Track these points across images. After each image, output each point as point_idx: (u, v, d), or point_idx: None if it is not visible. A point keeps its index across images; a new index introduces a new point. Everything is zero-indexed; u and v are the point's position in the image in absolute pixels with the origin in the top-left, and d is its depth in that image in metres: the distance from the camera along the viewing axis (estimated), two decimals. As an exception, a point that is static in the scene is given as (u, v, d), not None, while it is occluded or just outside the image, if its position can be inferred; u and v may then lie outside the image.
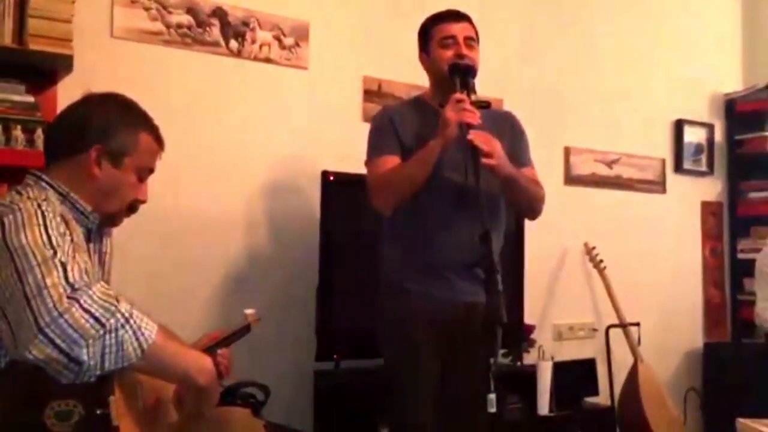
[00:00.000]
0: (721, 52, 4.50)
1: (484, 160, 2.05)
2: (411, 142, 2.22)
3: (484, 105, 2.17)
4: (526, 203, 2.34)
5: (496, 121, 2.32)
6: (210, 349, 1.68)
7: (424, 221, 2.21)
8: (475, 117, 2.05)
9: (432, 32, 2.30)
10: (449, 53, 2.23)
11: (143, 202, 1.63)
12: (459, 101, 2.08)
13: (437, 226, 2.19)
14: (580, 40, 3.86)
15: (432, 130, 2.13)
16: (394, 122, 2.28)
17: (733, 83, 4.50)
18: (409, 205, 2.20)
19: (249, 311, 1.79)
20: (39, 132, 2.22)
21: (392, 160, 2.22)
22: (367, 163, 2.30)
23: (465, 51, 2.22)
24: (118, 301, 1.32)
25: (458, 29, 2.26)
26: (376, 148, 2.28)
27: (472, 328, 2.12)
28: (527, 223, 3.20)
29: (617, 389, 3.64)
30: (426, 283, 2.21)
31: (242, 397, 2.33)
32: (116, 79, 2.43)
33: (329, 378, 2.75)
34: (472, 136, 2.05)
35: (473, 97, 2.12)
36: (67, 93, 2.25)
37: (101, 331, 1.27)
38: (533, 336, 3.36)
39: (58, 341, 1.24)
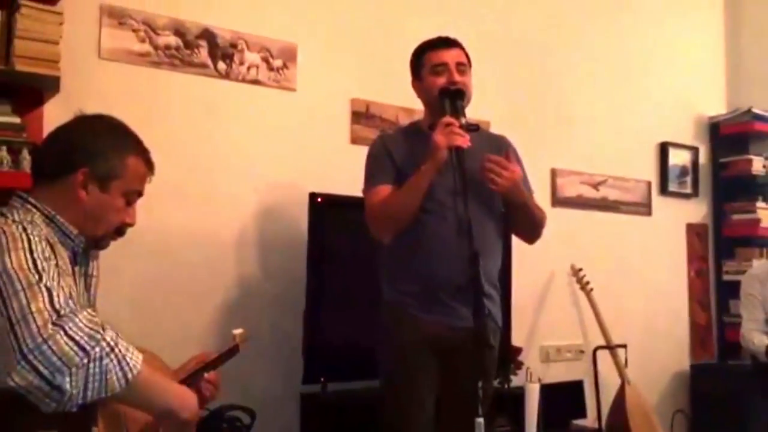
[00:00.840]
0: (705, 75, 4.56)
1: (492, 186, 2.08)
2: (406, 168, 2.23)
3: (473, 128, 2.19)
4: (531, 228, 2.37)
5: (491, 143, 2.35)
6: (198, 372, 1.67)
7: (421, 246, 2.21)
8: (465, 140, 2.07)
9: (424, 59, 2.31)
10: (441, 80, 2.25)
11: (131, 225, 1.61)
12: (448, 125, 2.09)
13: (435, 250, 2.19)
14: (565, 62, 3.90)
15: (427, 155, 2.14)
16: (389, 150, 2.29)
17: (717, 106, 4.56)
18: (405, 230, 2.20)
19: (237, 331, 1.77)
20: (25, 153, 2.20)
21: (387, 189, 2.23)
22: (365, 192, 2.31)
23: (457, 77, 2.24)
24: (103, 329, 1.30)
25: (450, 56, 2.28)
26: (371, 177, 2.29)
27: (469, 353, 2.12)
28: (514, 244, 3.20)
29: (605, 411, 3.63)
30: (425, 309, 2.21)
31: (228, 421, 2.29)
32: (104, 101, 2.42)
33: (316, 401, 2.73)
34: (488, 163, 2.07)
35: (462, 120, 2.14)
36: (53, 114, 2.25)
37: (85, 360, 1.25)
38: (520, 358, 3.36)
39: (41, 368, 1.21)
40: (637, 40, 4.21)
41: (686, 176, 4.38)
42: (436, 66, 2.27)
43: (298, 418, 2.79)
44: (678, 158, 4.33)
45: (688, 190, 4.38)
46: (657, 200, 4.25)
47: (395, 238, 2.24)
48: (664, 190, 4.27)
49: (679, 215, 4.35)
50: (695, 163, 4.41)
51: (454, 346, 2.18)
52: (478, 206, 2.13)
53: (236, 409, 2.28)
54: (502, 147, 2.39)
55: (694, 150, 4.42)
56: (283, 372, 2.83)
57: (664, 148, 4.27)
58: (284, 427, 2.78)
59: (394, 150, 2.29)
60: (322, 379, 2.71)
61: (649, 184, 4.22)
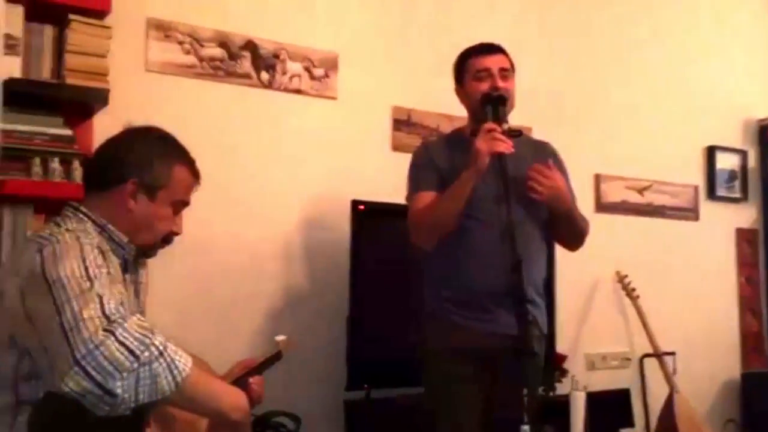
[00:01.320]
0: (755, 77, 4.45)
1: (534, 195, 2.08)
2: (450, 175, 2.23)
3: (516, 134, 2.18)
4: (574, 237, 2.35)
5: (535, 149, 2.34)
6: (243, 377, 1.69)
7: (464, 253, 2.21)
8: (507, 146, 2.06)
9: (467, 65, 2.32)
10: (483, 86, 2.25)
11: (178, 233, 1.65)
12: (490, 131, 2.08)
13: (478, 257, 2.19)
14: (610, 66, 3.85)
15: (468, 162, 2.14)
16: (433, 156, 2.30)
17: (766, 109, 4.44)
18: (449, 237, 2.20)
19: (280, 338, 1.79)
20: (76, 164, 2.27)
21: (430, 196, 2.24)
22: (408, 199, 2.32)
23: (499, 83, 2.24)
24: (153, 333, 1.32)
25: (492, 62, 2.28)
26: (415, 184, 2.31)
27: (514, 360, 2.11)
28: (558, 251, 3.17)
29: (653, 420, 3.56)
30: (469, 316, 2.21)
31: (273, 427, 2.32)
32: (150, 112, 2.46)
33: (360, 408, 2.73)
34: (533, 172, 2.08)
35: (505, 126, 2.13)
36: (102, 126, 2.31)
37: (135, 364, 1.27)
38: (565, 366, 3.32)
39: (93, 373, 1.24)
40: (684, 42, 4.13)
41: (735, 180, 4.28)
42: (478, 72, 2.27)
43: (342, 425, 2.80)
44: (726, 162, 4.24)
45: (737, 195, 4.28)
46: (705, 205, 4.16)
47: (439, 244, 2.23)
48: (711, 194, 4.18)
49: (728, 220, 4.25)
50: (744, 166, 4.31)
51: (498, 355, 2.16)
52: (523, 212, 2.12)
53: (281, 415, 2.31)
54: (545, 153, 2.37)
55: (743, 153, 4.32)
56: (327, 379, 2.85)
57: (711, 152, 4.19)
58: (328, 433, 2.80)
59: (437, 157, 2.29)
60: (365, 386, 2.72)
61: (696, 188, 4.14)
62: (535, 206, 2.24)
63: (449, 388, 2.21)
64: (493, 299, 2.16)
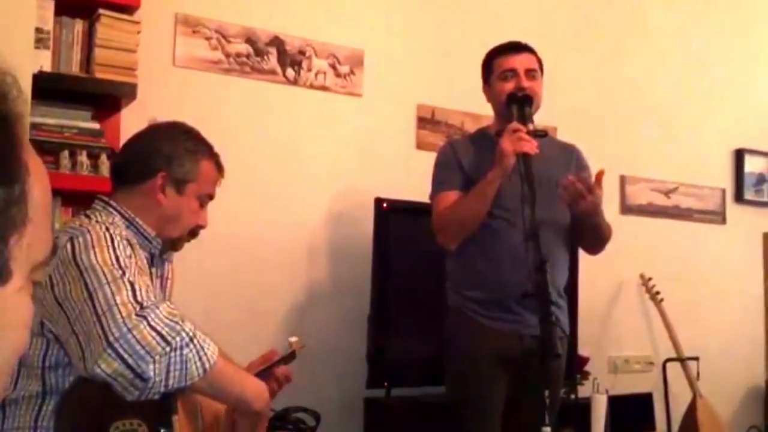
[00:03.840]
0: (784, 79, 4.39)
1: (574, 207, 2.11)
2: (475, 174, 2.22)
3: (541, 134, 2.16)
4: (598, 243, 2.34)
5: (561, 152, 2.32)
6: (263, 372, 1.70)
7: (488, 252, 2.20)
8: (532, 146, 2.04)
9: (493, 65, 2.31)
10: (509, 86, 2.23)
11: (203, 227, 1.67)
12: (515, 131, 2.07)
13: (502, 257, 2.18)
14: (636, 66, 3.81)
15: (493, 162, 2.13)
16: (458, 155, 2.29)
17: (796, 111, 4.37)
18: (474, 236, 2.19)
19: (293, 339, 1.83)
20: (103, 158, 2.29)
21: (455, 195, 2.23)
22: (432, 198, 2.31)
23: (525, 83, 2.22)
24: (183, 320, 1.35)
25: (519, 62, 2.26)
26: (439, 183, 2.30)
27: (538, 362, 2.10)
28: (581, 253, 3.15)
29: (675, 425, 3.52)
30: (494, 317, 2.20)
31: (292, 423, 2.33)
32: (177, 107, 2.50)
33: (380, 405, 2.74)
34: (575, 184, 2.08)
35: (530, 127, 2.12)
36: (130, 120, 2.33)
37: (167, 349, 1.29)
38: (587, 368, 3.29)
39: (125, 356, 1.26)
40: (713, 43, 4.08)
41: (763, 184, 4.21)
42: (504, 72, 2.26)
43: (362, 423, 2.80)
44: (754, 165, 4.18)
45: (765, 199, 4.21)
46: (732, 208, 4.10)
47: (463, 244, 2.23)
48: (739, 198, 4.12)
49: (756, 224, 4.19)
50: (773, 170, 4.25)
51: (522, 356, 2.15)
52: (547, 213, 2.10)
53: (301, 411, 2.31)
54: (571, 155, 2.36)
55: (772, 157, 4.26)
56: (347, 376, 2.85)
57: (739, 155, 4.13)
58: (348, 430, 2.80)
59: (462, 156, 2.29)
60: (385, 384, 2.72)
61: (723, 191, 4.08)
62: (559, 208, 2.23)
63: (473, 389, 2.20)
64: (517, 299, 2.15)
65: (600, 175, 2.14)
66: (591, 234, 2.30)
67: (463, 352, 2.23)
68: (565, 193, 2.12)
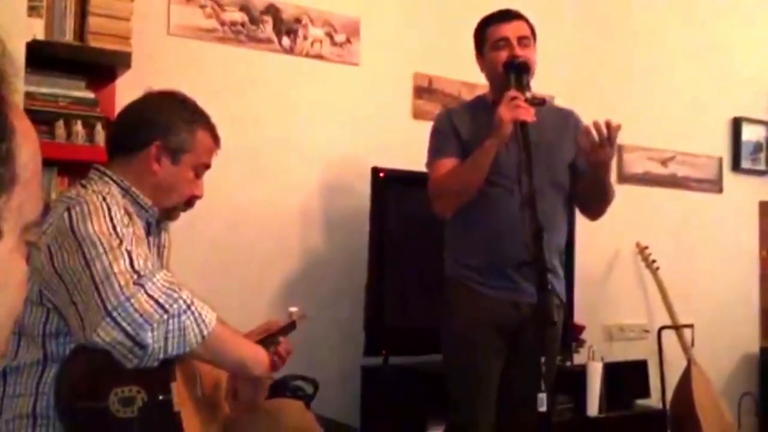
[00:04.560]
0: (783, 47, 4.36)
1: (598, 154, 2.08)
2: (472, 142, 2.21)
3: (539, 102, 2.15)
4: (601, 204, 2.35)
5: (559, 118, 2.31)
6: (263, 341, 1.71)
7: (486, 219, 2.21)
8: (529, 113, 2.04)
9: (486, 34, 2.28)
10: (503, 54, 2.21)
11: (200, 197, 1.66)
12: (513, 98, 2.06)
13: (500, 224, 2.18)
14: (634, 35, 3.79)
15: (491, 130, 2.12)
16: (454, 123, 2.28)
17: (794, 80, 4.36)
18: (471, 204, 2.19)
19: (294, 309, 1.83)
20: (99, 127, 2.28)
21: (451, 162, 2.22)
22: (428, 166, 2.30)
23: (519, 51, 2.20)
24: (180, 288, 1.36)
25: (511, 29, 2.24)
26: (436, 150, 2.29)
27: (534, 329, 2.12)
28: (578, 221, 3.15)
29: (669, 392, 3.56)
30: (491, 285, 2.21)
31: (291, 390, 2.35)
32: (172, 75, 2.48)
33: (377, 373, 2.76)
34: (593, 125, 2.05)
35: (528, 94, 2.11)
36: (125, 89, 2.31)
37: (165, 316, 1.30)
38: (583, 336, 3.32)
39: (124, 324, 1.27)
40: (710, 13, 4.05)
41: (760, 152, 4.21)
42: (497, 41, 2.24)
43: (359, 390, 2.83)
44: (752, 134, 4.17)
45: (762, 167, 4.22)
46: (728, 177, 4.11)
47: (461, 212, 2.23)
48: (736, 166, 4.12)
49: (752, 193, 4.19)
50: (770, 139, 4.24)
51: (518, 323, 2.17)
52: (545, 180, 2.10)
53: (300, 379, 2.34)
54: (570, 121, 2.35)
55: (769, 125, 4.25)
56: (345, 344, 2.88)
57: (737, 123, 4.12)
58: (346, 398, 2.83)
59: (459, 124, 2.28)
60: (383, 352, 2.74)
61: (720, 160, 4.08)
62: (558, 174, 2.23)
63: (471, 357, 2.22)
64: (514, 267, 2.15)
65: (615, 130, 2.10)
66: (597, 193, 2.28)
67: (461, 321, 2.24)
68: (586, 139, 2.10)
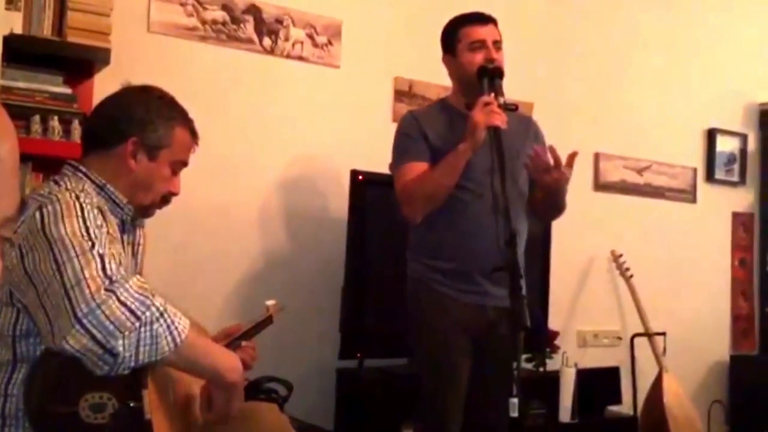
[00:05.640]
0: (757, 61, 4.43)
1: (551, 177, 2.10)
2: (440, 146, 2.21)
3: (511, 108, 2.15)
4: (554, 212, 2.36)
5: (520, 125, 2.32)
6: (235, 342, 1.70)
7: (455, 224, 2.20)
8: (503, 119, 2.05)
9: (460, 35, 2.26)
10: (479, 57, 2.20)
11: (176, 194, 1.64)
12: (487, 104, 2.07)
13: (468, 229, 2.19)
14: (612, 45, 3.83)
15: (460, 134, 2.12)
16: (422, 126, 2.26)
17: (767, 93, 4.43)
18: (441, 208, 2.19)
19: (270, 302, 1.79)
20: (75, 123, 2.26)
21: (421, 166, 2.21)
22: (394, 169, 2.28)
23: (494, 55, 2.21)
24: (153, 295, 1.32)
25: (486, 32, 2.24)
26: (404, 153, 2.26)
27: (501, 333, 2.13)
28: (554, 227, 3.18)
29: (641, 398, 3.60)
30: (458, 288, 2.21)
31: (265, 392, 2.34)
32: (151, 73, 2.44)
33: (352, 376, 2.76)
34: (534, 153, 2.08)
35: (501, 100, 2.11)
36: (103, 85, 2.29)
37: (136, 324, 1.27)
38: (557, 342, 3.35)
39: (94, 332, 1.24)
40: (687, 24, 4.11)
41: (734, 164, 4.28)
42: (473, 42, 2.22)
43: (334, 393, 2.82)
44: (726, 145, 4.24)
45: (735, 178, 4.29)
46: (702, 187, 4.17)
47: (430, 215, 2.22)
48: (710, 177, 4.18)
49: (725, 203, 4.26)
50: (743, 150, 4.31)
51: (486, 326, 2.18)
52: (512, 187, 2.10)
53: (274, 380, 2.32)
54: (530, 129, 2.37)
55: (743, 137, 4.31)
56: (320, 346, 2.87)
57: (711, 135, 4.18)
58: (320, 400, 2.82)
59: (426, 127, 2.25)
60: (358, 355, 2.74)
61: (695, 170, 4.14)
62: (521, 180, 2.24)
63: (441, 360, 2.22)
64: (483, 272, 2.16)
65: (572, 157, 2.14)
66: (552, 203, 2.30)
67: (429, 325, 2.23)
68: (531, 164, 2.13)
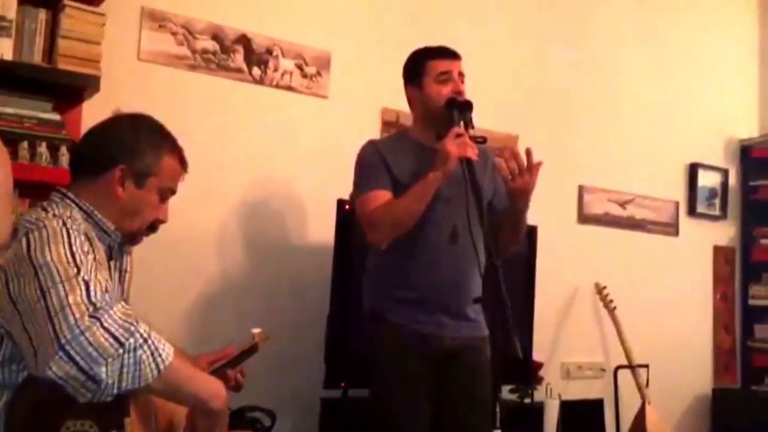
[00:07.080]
0: (738, 97, 4.53)
1: (521, 183, 2.10)
2: (404, 176, 2.21)
3: (480, 141, 2.17)
4: (514, 243, 2.33)
5: (480, 156, 2.32)
6: (220, 369, 1.70)
7: (416, 253, 2.20)
8: (474, 152, 2.07)
9: (427, 67, 2.27)
10: (446, 89, 2.22)
11: (163, 222, 1.64)
12: (459, 135, 2.09)
13: (429, 258, 2.19)
14: (596, 79, 3.90)
15: (425, 165, 2.13)
16: (383, 155, 2.25)
17: (749, 129, 4.52)
18: (400, 236, 2.17)
19: (256, 330, 1.80)
20: (63, 150, 2.26)
21: (385, 195, 2.20)
22: (357, 197, 2.27)
23: (462, 87, 2.23)
24: (137, 321, 1.32)
25: (454, 65, 2.26)
26: (368, 181, 2.25)
27: (464, 363, 2.13)
28: (539, 259, 3.20)
29: (624, 430, 3.60)
30: (411, 317, 2.19)
31: (249, 422, 2.32)
32: (141, 101, 2.45)
33: (336, 405, 2.74)
34: (508, 152, 2.09)
35: (471, 132, 2.13)
36: (92, 112, 2.31)
37: (120, 351, 1.27)
38: (541, 373, 3.35)
39: (77, 359, 1.23)
40: (669, 61, 4.19)
41: (715, 198, 4.34)
42: (441, 74, 2.24)
43: (317, 423, 2.80)
44: (707, 180, 4.30)
45: (717, 212, 4.34)
46: (685, 221, 4.22)
47: (391, 243, 2.19)
48: (692, 211, 4.24)
49: (707, 237, 4.31)
50: (725, 185, 4.37)
51: (443, 357, 2.18)
52: (476, 218, 2.11)
53: (257, 410, 2.31)
54: (488, 160, 2.38)
55: (724, 172, 4.38)
56: (304, 375, 2.85)
57: (693, 169, 4.25)
58: (304, 429, 2.81)
59: (387, 156, 2.25)
60: (342, 384, 2.73)
61: (677, 204, 4.19)
62: (481, 212, 2.24)
63: (396, 389, 2.18)
64: (440, 302, 2.17)
65: (536, 166, 2.12)
66: (515, 228, 2.27)
67: (386, 353, 2.21)
68: (505, 166, 2.12)
